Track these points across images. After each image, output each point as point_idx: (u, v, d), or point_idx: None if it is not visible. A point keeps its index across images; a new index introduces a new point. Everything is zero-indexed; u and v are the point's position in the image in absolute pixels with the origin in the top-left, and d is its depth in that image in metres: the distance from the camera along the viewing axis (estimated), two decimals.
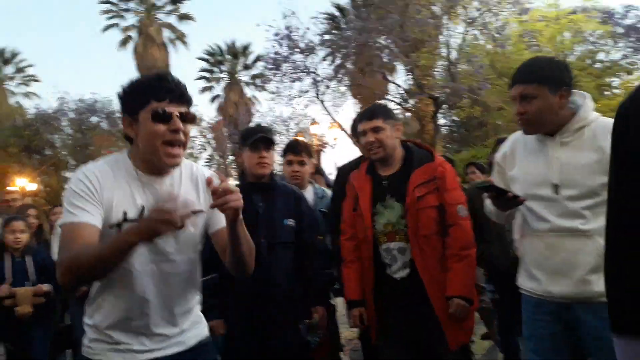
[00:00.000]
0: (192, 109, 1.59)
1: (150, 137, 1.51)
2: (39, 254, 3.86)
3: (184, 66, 54.69)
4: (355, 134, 3.13)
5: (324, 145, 17.38)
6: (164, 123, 1.50)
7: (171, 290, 1.61)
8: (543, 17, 13.10)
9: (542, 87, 1.94)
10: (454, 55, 13.81)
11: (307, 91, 14.90)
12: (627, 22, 13.79)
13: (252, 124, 9.75)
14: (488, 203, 2.18)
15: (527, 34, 13.17)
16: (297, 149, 3.31)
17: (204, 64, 26.52)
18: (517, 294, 2.17)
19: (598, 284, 1.83)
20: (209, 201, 1.56)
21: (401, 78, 16.02)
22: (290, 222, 2.69)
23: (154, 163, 1.56)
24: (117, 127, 20.43)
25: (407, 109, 15.93)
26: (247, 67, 26.46)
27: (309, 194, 3.38)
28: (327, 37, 15.35)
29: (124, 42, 25.30)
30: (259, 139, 2.68)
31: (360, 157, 3.28)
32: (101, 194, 1.51)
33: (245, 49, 26.38)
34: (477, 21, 13.23)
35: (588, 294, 1.88)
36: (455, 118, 17.77)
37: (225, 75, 26.45)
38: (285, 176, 3.40)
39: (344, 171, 3.14)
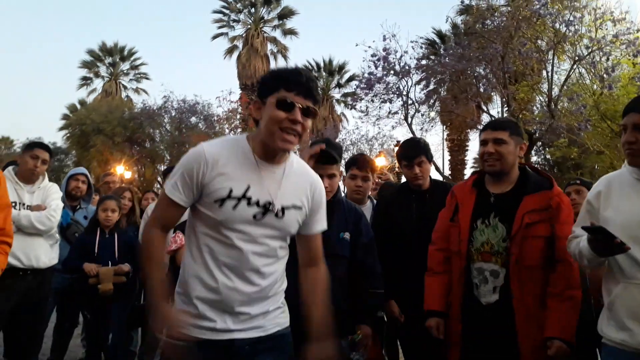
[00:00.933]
0: (316, 106, 1.72)
1: (270, 121, 1.65)
2: (125, 233, 4.13)
3: None
4: (401, 160, 3.13)
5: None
6: (285, 111, 1.64)
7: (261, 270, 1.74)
8: None
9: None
10: (555, 91, 13.20)
11: (396, 112, 14.88)
12: None
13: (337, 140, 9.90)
14: (582, 246, 2.03)
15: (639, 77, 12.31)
16: (362, 164, 3.26)
17: None
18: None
19: None
20: (312, 206, 1.82)
21: (496, 109, 15.57)
22: (347, 235, 2.63)
23: (269, 146, 1.70)
24: (214, 129, 21.59)
25: None
26: (340, 85, 27.01)
27: (367, 210, 3.39)
28: (423, 62, 15.26)
29: (229, 51, 26.79)
30: (322, 154, 2.60)
31: (404, 183, 3.25)
32: (209, 174, 1.66)
33: (341, 68, 26.96)
34: (586, 60, 12.57)
35: None
36: (549, 157, 16.91)
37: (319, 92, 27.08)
38: (347, 190, 3.40)
39: (386, 191, 3.18)
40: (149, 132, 22.97)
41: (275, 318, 1.81)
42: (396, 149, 17.83)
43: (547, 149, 16.25)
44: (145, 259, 1.70)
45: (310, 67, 27.06)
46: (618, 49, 12.32)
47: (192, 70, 69.10)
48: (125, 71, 30.53)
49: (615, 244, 1.84)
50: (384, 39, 13.73)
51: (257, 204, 1.68)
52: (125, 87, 30.53)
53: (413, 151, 3.10)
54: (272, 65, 26.66)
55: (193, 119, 22.65)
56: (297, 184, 1.79)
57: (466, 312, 2.43)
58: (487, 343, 2.36)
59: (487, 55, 12.62)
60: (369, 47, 13.98)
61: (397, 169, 17.82)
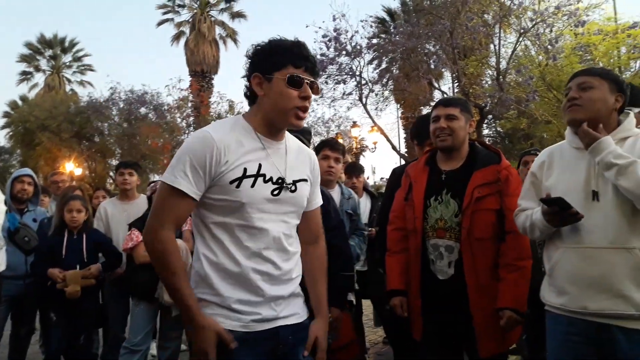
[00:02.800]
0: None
1: (282, 99, 1.61)
2: (93, 233, 4.00)
3: (234, 63, 55.58)
4: (416, 136, 3.11)
5: (363, 148, 17.34)
6: (297, 88, 1.61)
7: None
8: (600, 31, 12.64)
9: (603, 81, 1.98)
10: (503, 65, 13.51)
11: (350, 93, 14.89)
12: None
13: None
14: (535, 218, 2.07)
15: (582, 48, 12.74)
16: (336, 146, 3.32)
17: None
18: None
19: (637, 300, 1.81)
20: (315, 177, 1.83)
21: (447, 85, 15.82)
22: None
23: (276, 124, 1.68)
24: (165, 119, 21.01)
25: None
26: None
27: (335, 193, 3.39)
28: (374, 40, 15.28)
29: (176, 37, 26.00)
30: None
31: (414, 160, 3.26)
32: (223, 160, 1.59)
33: None
34: (530, 32, 12.90)
35: (626, 311, 1.83)
36: (499, 129, 17.39)
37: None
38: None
39: (398, 173, 3.11)
40: (97, 126, 22.14)
41: (303, 304, 1.80)
42: (353, 130, 17.91)
43: (497, 121, 16.67)
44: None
45: None
46: (560, 20, 12.70)
47: (139, 59, 67.03)
48: (67, 64, 29.29)
49: (570, 214, 1.89)
50: (334, 19, 13.65)
51: (272, 180, 1.65)
52: (69, 81, 29.30)
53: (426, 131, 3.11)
54: (222, 50, 26.13)
55: (142, 110, 21.96)
56: (300, 158, 1.79)
57: (424, 287, 2.48)
58: (444, 316, 2.42)
59: (436, 31, 12.75)
60: (320, 27, 13.88)
61: (354, 151, 17.92)
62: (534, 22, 12.52)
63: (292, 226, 1.73)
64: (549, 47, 12.55)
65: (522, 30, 12.66)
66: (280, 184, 1.66)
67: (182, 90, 21.57)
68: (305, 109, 1.64)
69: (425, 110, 18.14)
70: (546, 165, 2.13)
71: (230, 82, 39.08)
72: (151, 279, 3.42)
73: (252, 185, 1.60)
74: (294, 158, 1.75)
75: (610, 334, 1.85)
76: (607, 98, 1.97)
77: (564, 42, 13.13)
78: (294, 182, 1.71)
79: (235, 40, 26.49)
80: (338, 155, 3.29)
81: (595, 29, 12.67)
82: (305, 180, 1.77)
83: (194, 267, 1.68)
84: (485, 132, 17.88)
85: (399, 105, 19.86)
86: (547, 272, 2.07)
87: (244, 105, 20.47)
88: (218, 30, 26.33)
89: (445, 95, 14.95)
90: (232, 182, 1.58)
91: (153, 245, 1.59)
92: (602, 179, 1.91)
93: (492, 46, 13.63)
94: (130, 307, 3.83)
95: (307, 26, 14.29)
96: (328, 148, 3.30)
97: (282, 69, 1.61)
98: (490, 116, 14.97)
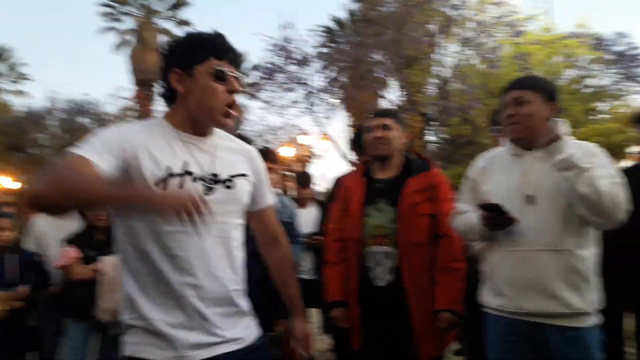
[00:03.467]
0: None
1: (208, 95, 1.47)
2: (22, 252, 3.75)
3: None
4: (356, 146, 3.12)
5: (311, 156, 17.36)
6: (223, 82, 1.47)
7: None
8: (537, 41, 13.24)
9: (536, 94, 2.02)
10: (446, 73, 13.90)
11: (298, 102, 14.90)
12: (618, 49, 13.98)
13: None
14: (474, 222, 2.10)
15: (520, 56, 13.30)
16: (268, 155, 3.25)
17: None
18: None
19: (569, 300, 1.89)
20: (255, 177, 1.64)
21: (394, 94, 16.10)
22: None
23: (201, 122, 1.52)
24: None
25: None
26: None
27: None
28: (322, 49, 15.37)
29: (120, 45, 25.22)
30: None
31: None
32: (140, 153, 1.41)
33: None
34: (472, 41, 13.34)
35: (558, 310, 1.90)
36: (444, 135, 17.86)
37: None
38: None
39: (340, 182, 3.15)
40: (33, 136, 21.07)
41: (250, 324, 1.60)
42: (301, 137, 17.86)
43: (442, 128, 17.10)
44: (81, 182, 1.26)
45: None
46: (500, 30, 13.21)
47: (80, 67, 64.53)
48: (2, 73, 27.79)
49: (507, 218, 1.93)
50: (282, 28, 13.64)
51: (202, 179, 1.48)
52: (4, 91, 27.80)
53: None
54: None
55: (83, 120, 21.09)
56: (233, 153, 1.61)
57: (363, 296, 2.50)
58: (384, 323, 2.45)
59: (382, 41, 12.97)
60: (269, 37, 13.84)
61: (303, 158, 17.91)
62: (475, 32, 12.95)
63: (234, 226, 1.54)
64: (490, 56, 13.01)
65: (464, 40, 13.07)
66: (213, 181, 1.50)
67: (125, 99, 20.91)
68: (232, 105, 1.49)
69: None
70: (483, 171, 2.19)
71: None
72: (88, 295, 3.26)
73: (180, 185, 1.43)
74: (227, 153, 1.58)
75: (544, 332, 1.93)
76: (541, 110, 2.03)
77: (504, 51, 13.67)
78: (231, 177, 1.54)
79: None
80: (271, 165, 3.22)
81: (533, 39, 13.26)
82: (243, 175, 1.59)
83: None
84: (431, 138, 18.31)
85: (348, 113, 20.01)
86: (487, 276, 2.12)
87: None
88: (163, 38, 25.76)
89: (391, 104, 15.24)
90: (156, 183, 1.40)
91: (44, 180, 1.28)
92: (538, 183, 1.97)
93: (435, 55, 13.98)
94: (66, 327, 3.61)
95: (254, 34, 14.26)
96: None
97: (204, 62, 1.46)
98: (435, 123, 15.35)
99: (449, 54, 14.07)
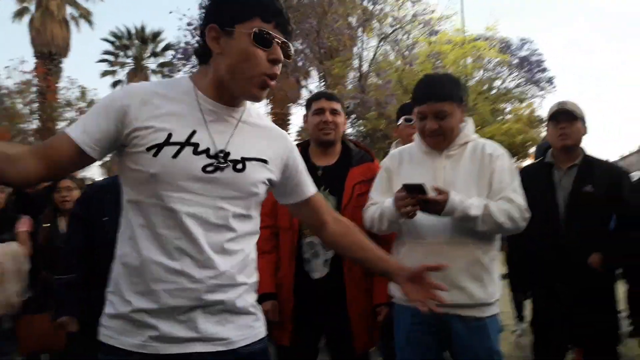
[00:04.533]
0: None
1: (245, 60, 1.25)
2: None
3: (87, 46, 51.01)
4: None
5: None
6: (265, 48, 1.25)
7: None
8: (450, 41, 13.82)
9: (453, 103, 2.06)
10: (365, 67, 14.13)
11: None
12: (522, 54, 14.96)
13: None
14: (386, 207, 2.09)
15: (434, 55, 13.82)
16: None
17: (108, 46, 24.92)
18: None
19: (472, 292, 1.98)
20: (278, 152, 1.42)
21: (314, 84, 16.12)
22: None
23: (231, 90, 1.30)
24: (3, 104, 18.52)
25: None
26: (155, 55, 25.20)
27: None
28: None
29: (19, 14, 23.00)
30: None
31: None
32: (140, 113, 1.24)
33: (155, 36, 25.13)
34: (390, 37, 13.65)
35: (462, 301, 1.97)
36: (361, 129, 18.21)
37: (131, 61, 25.03)
38: None
39: None
40: None
41: (245, 326, 1.37)
42: None
43: (359, 121, 17.42)
44: None
45: (120, 34, 24.76)
46: (417, 28, 13.63)
47: None
48: None
49: (426, 200, 1.93)
50: (200, 7, 13.11)
51: (208, 153, 1.29)
52: None
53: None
54: (74, 31, 23.75)
55: None
56: (259, 133, 1.40)
57: (298, 288, 2.39)
58: (318, 317, 2.38)
59: (303, 29, 12.89)
60: (184, 15, 13.25)
61: None
62: (393, 28, 13.25)
63: (232, 216, 1.32)
64: (406, 52, 13.38)
65: (382, 35, 13.33)
66: (221, 159, 1.29)
67: (25, 73, 19.16)
68: (274, 77, 1.28)
69: (295, 108, 18.38)
70: (398, 162, 2.22)
71: (83, 67, 35.70)
72: None
73: (175, 155, 1.24)
74: (251, 132, 1.37)
75: (449, 322, 2.00)
76: (459, 118, 2.10)
77: (419, 49, 14.13)
78: (244, 159, 1.33)
79: (89, 22, 24.25)
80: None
81: (446, 39, 13.83)
82: (263, 160, 1.37)
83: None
84: (348, 130, 18.59)
85: (268, 100, 19.79)
86: None
87: (97, 93, 18.88)
88: (69, 9, 23.88)
89: (312, 94, 15.21)
90: (150, 148, 1.23)
91: None
92: (447, 180, 2.04)
93: (355, 49, 14.15)
94: None
95: (170, 12, 13.60)
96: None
97: (248, 21, 1.24)
98: (353, 116, 15.58)
99: (368, 49, 14.31)
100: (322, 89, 14.86)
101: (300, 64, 14.33)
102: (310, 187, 1.55)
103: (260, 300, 2.42)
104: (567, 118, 2.70)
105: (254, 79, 1.26)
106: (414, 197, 1.94)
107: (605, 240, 2.60)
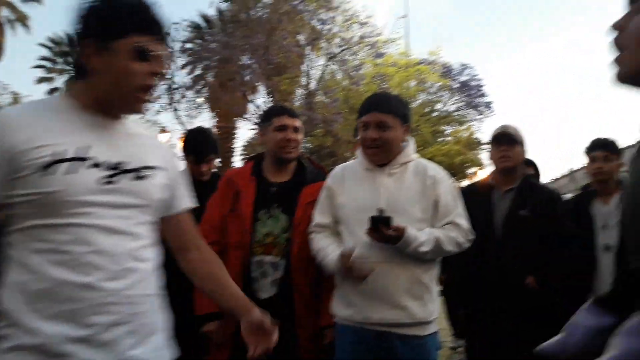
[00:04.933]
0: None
1: (124, 77, 1.24)
2: None
3: (23, 51, 48.46)
4: (194, 151, 2.84)
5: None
6: (144, 63, 1.24)
7: None
8: (395, 64, 14.22)
9: (396, 118, 2.08)
10: (313, 85, 14.26)
11: (159, 97, 14.15)
12: (462, 78, 15.61)
13: None
14: (331, 262, 2.07)
15: (380, 77, 14.16)
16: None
17: (46, 52, 23.85)
18: None
19: (413, 310, 1.99)
20: (174, 169, 1.41)
21: (261, 99, 16.09)
22: None
23: (112, 105, 1.28)
24: None
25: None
26: None
27: None
28: (188, 45, 14.81)
29: None
30: None
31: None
32: (19, 140, 1.18)
33: None
34: (337, 57, 13.87)
35: (403, 320, 1.98)
36: (307, 145, 18.30)
37: (70, 68, 24.04)
38: None
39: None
40: None
41: (160, 347, 1.32)
42: (160, 135, 16.96)
43: (306, 138, 17.51)
44: None
45: (59, 39, 23.76)
46: (363, 50, 13.94)
47: None
48: None
49: (393, 232, 1.93)
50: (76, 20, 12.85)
51: (102, 165, 1.25)
52: None
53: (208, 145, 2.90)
54: (9, 35, 22.57)
55: None
56: (146, 143, 1.39)
57: None
58: None
59: (251, 45, 12.87)
60: None
61: None
62: (341, 49, 13.49)
63: (139, 224, 1.31)
64: (353, 73, 13.65)
65: (330, 55, 13.53)
66: (118, 169, 1.28)
67: None
68: (149, 88, 1.28)
69: (240, 122, 18.21)
70: (340, 180, 2.20)
71: (18, 73, 33.95)
72: None
73: (70, 172, 1.20)
74: (138, 142, 1.37)
75: (389, 341, 2.00)
76: (399, 134, 2.12)
77: (365, 70, 14.44)
78: (139, 169, 1.32)
79: (26, 26, 23.14)
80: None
81: (391, 62, 14.22)
82: (156, 168, 1.37)
83: None
84: None
85: (213, 114, 19.54)
86: (338, 286, 2.13)
87: (32, 98, 17.93)
88: (5, 12, 22.70)
89: (258, 110, 15.19)
90: (41, 168, 1.18)
91: None
92: (389, 198, 2.05)
93: (303, 66, 14.28)
94: None
95: None
96: None
97: (126, 37, 1.23)
98: None
99: (316, 67, 14.48)
100: (270, 104, 14.86)
101: (247, 78, 14.29)
102: (185, 202, 1.51)
103: (205, 320, 2.36)
104: (507, 141, 2.79)
105: (134, 93, 1.27)
106: (375, 229, 1.94)
107: (541, 260, 2.70)
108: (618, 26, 0.85)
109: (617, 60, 0.85)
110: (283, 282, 2.28)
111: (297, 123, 2.40)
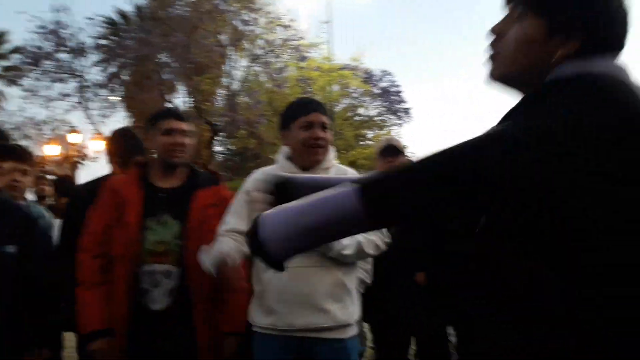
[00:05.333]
0: None
1: None
2: None
3: None
4: (126, 152, 2.73)
5: (82, 157, 15.61)
6: None
7: None
8: (318, 68, 14.33)
9: (331, 121, 2.17)
10: (235, 86, 14.04)
11: (70, 95, 13.33)
12: (383, 84, 16.05)
13: None
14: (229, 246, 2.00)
15: (303, 80, 14.22)
16: (22, 155, 2.69)
17: None
18: None
19: (335, 314, 1.98)
20: None
21: (180, 99, 15.59)
22: (11, 249, 2.15)
23: None
24: None
25: None
26: (0, 57, 22.52)
27: None
28: (103, 41, 14.07)
29: None
30: None
31: (99, 179, 2.82)
32: None
33: (0, 36, 22.48)
34: (261, 59, 13.77)
35: (326, 323, 1.96)
36: (231, 147, 18.00)
37: None
38: None
39: (81, 194, 2.72)
40: None
41: None
42: (70, 135, 15.93)
43: (229, 139, 17.21)
44: None
45: None
46: (286, 52, 13.93)
47: None
48: None
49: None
50: (54, 11, 12.05)
51: None
52: None
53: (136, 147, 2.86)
54: None
55: None
56: None
57: (135, 323, 2.16)
58: (160, 353, 2.16)
59: (171, 43, 12.45)
60: (37, 17, 12.06)
61: (71, 159, 15.99)
62: (264, 50, 13.40)
63: None
64: (276, 75, 13.60)
65: (253, 56, 13.40)
66: None
67: None
68: None
69: None
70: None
71: None
72: None
73: None
74: None
75: (313, 346, 1.98)
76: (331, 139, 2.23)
77: (289, 73, 14.44)
78: None
79: None
80: (22, 166, 2.65)
81: (314, 66, 14.32)
82: None
83: None
84: (218, 148, 18.27)
85: (128, 113, 18.69)
86: (257, 295, 2.08)
87: None
88: None
89: (177, 110, 14.69)
90: None
91: None
92: None
93: (226, 67, 14.03)
94: None
95: (19, 12, 12.32)
96: (11, 159, 2.62)
97: None
98: (222, 134, 15.33)
99: (239, 68, 14.28)
100: (191, 104, 14.45)
101: (166, 77, 13.81)
102: None
103: (90, 338, 2.19)
104: (393, 153, 3.06)
105: None
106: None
107: (426, 258, 2.84)
108: (497, 31, 0.90)
109: (492, 60, 0.91)
110: (179, 290, 2.18)
111: (186, 126, 2.31)
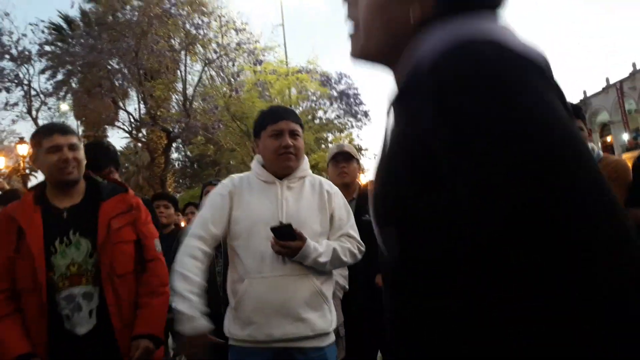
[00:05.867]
0: None
1: None
2: None
3: None
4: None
5: (32, 169, 14.97)
6: None
7: None
8: (274, 71, 14.17)
9: (301, 128, 2.16)
10: (190, 91, 13.74)
11: (16, 104, 12.73)
12: (340, 87, 16.04)
13: None
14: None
15: (260, 84, 14.04)
16: None
17: None
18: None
19: (314, 322, 1.97)
20: None
21: (133, 106, 15.14)
22: None
23: None
24: None
25: (137, 139, 15.03)
26: None
27: None
28: (48, 48, 13.49)
29: None
30: None
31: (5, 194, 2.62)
32: None
33: None
34: (215, 63, 13.52)
35: (305, 333, 1.94)
36: (188, 154, 17.63)
37: None
38: None
39: None
40: None
41: None
42: (20, 146, 15.24)
43: (186, 146, 16.84)
44: None
45: None
46: (241, 56, 13.73)
47: None
48: None
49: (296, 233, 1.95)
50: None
51: None
52: None
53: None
54: None
55: None
56: None
57: (59, 351, 2.02)
58: None
59: (120, 49, 12.05)
60: None
61: (21, 171, 15.29)
62: (218, 55, 13.16)
63: None
64: (232, 80, 13.37)
65: (207, 61, 13.13)
66: None
67: None
68: None
69: (110, 130, 17.00)
70: (234, 195, 2.09)
71: None
72: None
73: None
74: None
75: (291, 356, 1.96)
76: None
77: (245, 77, 14.23)
78: None
79: None
80: None
81: (271, 69, 14.16)
82: None
83: None
84: (175, 155, 17.85)
85: (79, 122, 18.03)
86: (233, 306, 2.02)
87: None
88: None
89: (130, 117, 14.29)
90: None
91: None
92: (289, 211, 2.05)
93: (179, 72, 13.72)
94: None
95: None
96: None
97: None
98: (179, 140, 14.99)
99: (193, 73, 13.99)
100: (143, 111, 14.05)
101: (117, 84, 13.37)
102: None
103: None
104: (345, 158, 3.08)
105: None
106: (278, 241, 1.93)
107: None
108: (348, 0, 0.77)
109: (351, 37, 0.76)
110: (101, 310, 2.08)
111: (73, 140, 2.18)
